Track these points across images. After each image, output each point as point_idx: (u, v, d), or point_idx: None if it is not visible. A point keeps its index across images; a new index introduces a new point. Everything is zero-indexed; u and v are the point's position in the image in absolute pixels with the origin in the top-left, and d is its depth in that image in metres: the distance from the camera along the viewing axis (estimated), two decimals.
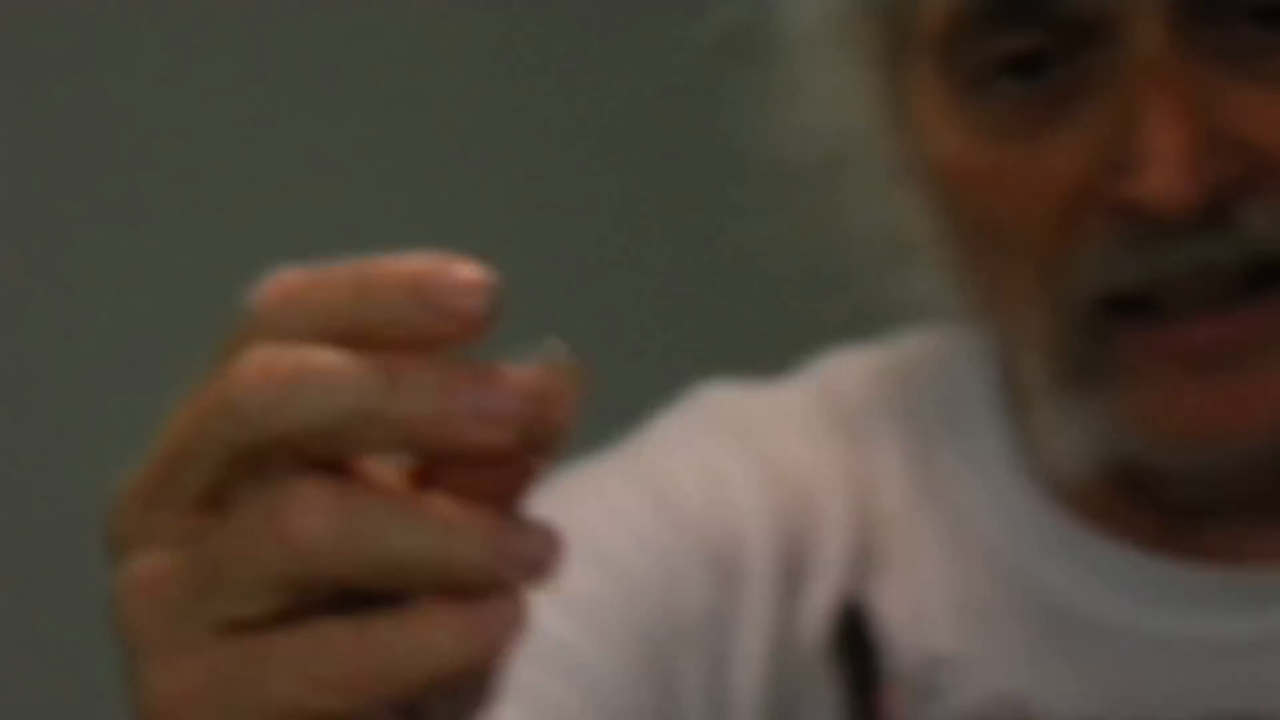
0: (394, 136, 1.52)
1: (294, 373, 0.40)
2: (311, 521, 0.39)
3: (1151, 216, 0.68)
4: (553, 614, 0.70)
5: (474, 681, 0.41)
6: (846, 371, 0.83)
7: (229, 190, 1.57)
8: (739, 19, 0.76)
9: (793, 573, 0.77)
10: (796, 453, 0.80)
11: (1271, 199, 0.69)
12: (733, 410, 0.82)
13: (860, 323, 0.80)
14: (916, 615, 0.76)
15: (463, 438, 0.39)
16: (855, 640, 0.76)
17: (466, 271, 0.40)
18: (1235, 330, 0.70)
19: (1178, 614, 0.76)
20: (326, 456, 0.40)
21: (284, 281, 0.41)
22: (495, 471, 0.40)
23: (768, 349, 0.91)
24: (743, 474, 0.79)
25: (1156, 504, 0.77)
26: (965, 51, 0.71)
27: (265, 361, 0.40)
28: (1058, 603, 0.76)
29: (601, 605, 0.76)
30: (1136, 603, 0.76)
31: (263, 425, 0.40)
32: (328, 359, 0.40)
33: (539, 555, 0.40)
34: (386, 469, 0.42)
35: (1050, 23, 0.69)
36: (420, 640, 0.40)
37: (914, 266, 0.76)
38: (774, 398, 0.84)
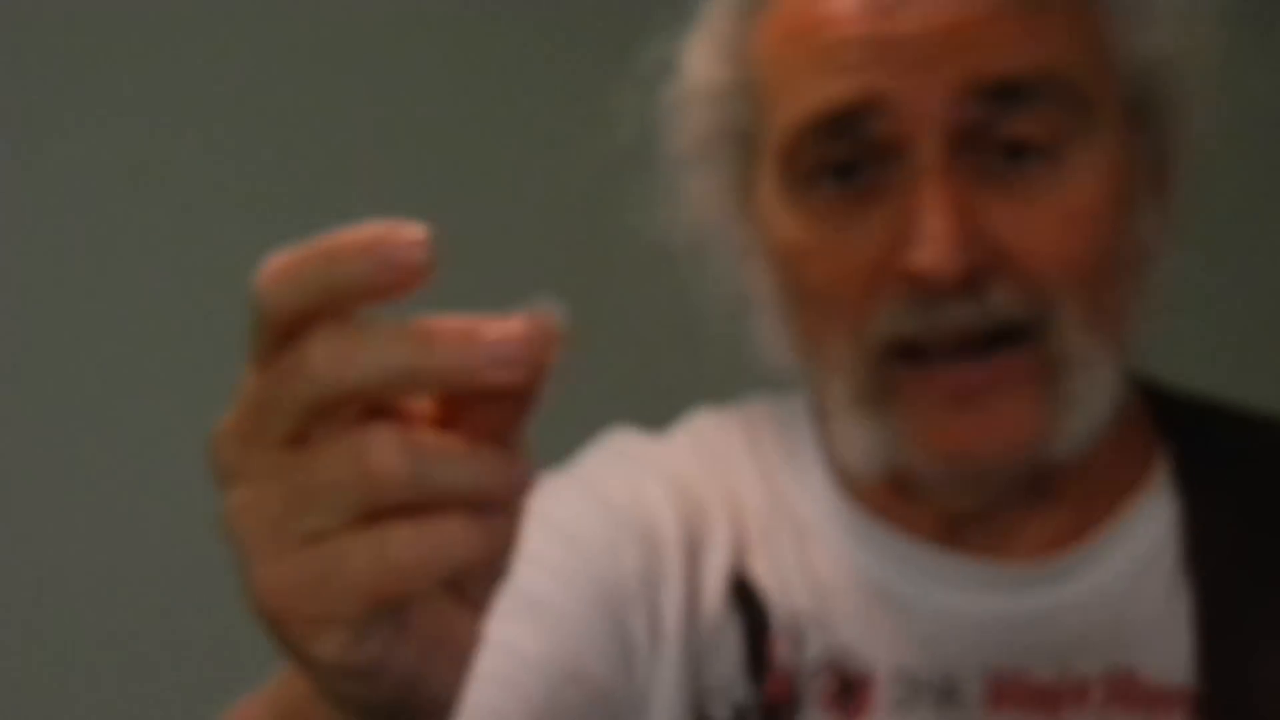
0: None
1: (353, 346, 0.48)
2: (387, 460, 0.48)
3: (925, 283, 0.82)
4: (533, 576, 0.89)
5: (494, 565, 0.51)
6: (710, 424, 1.02)
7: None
8: (633, 140, 0.94)
9: (694, 553, 0.96)
10: (689, 475, 0.99)
11: (1010, 282, 0.83)
12: (641, 449, 1.01)
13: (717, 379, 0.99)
14: (781, 584, 0.93)
15: (484, 380, 0.48)
16: (746, 597, 0.94)
17: (409, 231, 0.47)
18: (983, 376, 0.84)
19: (957, 593, 0.91)
20: (379, 403, 0.49)
21: (273, 265, 0.49)
22: (507, 403, 0.49)
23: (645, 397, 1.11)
24: (656, 488, 0.98)
25: (933, 509, 0.93)
26: (799, 159, 0.86)
27: (329, 337, 0.48)
28: (871, 582, 0.94)
29: (569, 568, 0.91)
30: (926, 583, 0.92)
31: (333, 386, 0.48)
32: (376, 332, 0.48)
33: (528, 479, 0.50)
34: (419, 403, 0.51)
35: (860, 141, 0.84)
36: (458, 537, 0.49)
37: (757, 320, 0.94)
38: (667, 442, 1.02)
